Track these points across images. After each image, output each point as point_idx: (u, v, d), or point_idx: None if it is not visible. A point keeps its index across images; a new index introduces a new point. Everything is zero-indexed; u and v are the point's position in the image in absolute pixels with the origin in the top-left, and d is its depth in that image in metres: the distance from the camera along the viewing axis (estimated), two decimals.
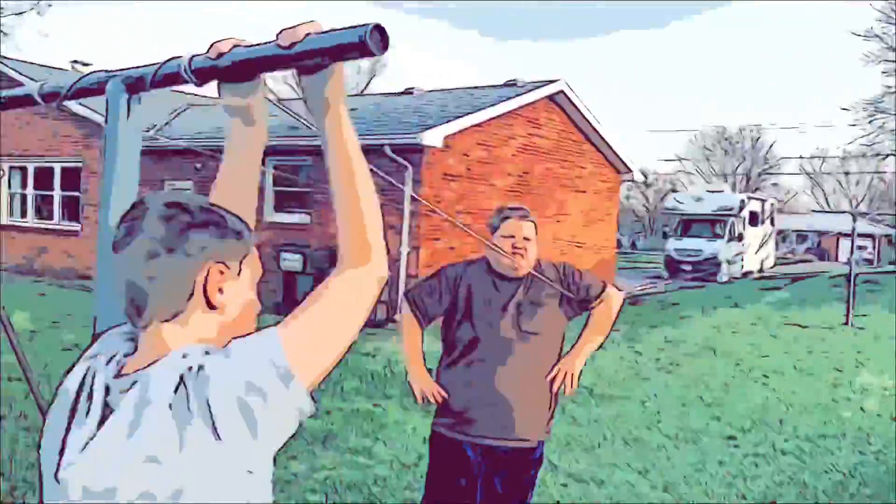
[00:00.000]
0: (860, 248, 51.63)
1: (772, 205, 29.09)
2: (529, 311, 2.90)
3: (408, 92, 15.73)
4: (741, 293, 17.58)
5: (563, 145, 14.94)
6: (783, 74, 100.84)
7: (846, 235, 54.33)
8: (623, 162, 16.68)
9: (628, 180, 17.44)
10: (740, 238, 25.27)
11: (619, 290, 3.14)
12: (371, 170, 1.19)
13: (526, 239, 2.92)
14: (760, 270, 27.73)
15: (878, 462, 5.29)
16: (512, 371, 2.86)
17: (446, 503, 2.99)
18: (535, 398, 2.92)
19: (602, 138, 15.74)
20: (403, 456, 5.02)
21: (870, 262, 47.63)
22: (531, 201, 13.98)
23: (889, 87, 45.40)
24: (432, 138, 11.43)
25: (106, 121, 1.39)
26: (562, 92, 14.34)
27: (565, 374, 2.96)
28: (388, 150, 11.36)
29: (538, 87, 13.83)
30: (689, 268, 24.55)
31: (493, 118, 12.80)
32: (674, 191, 48.98)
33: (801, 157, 70.60)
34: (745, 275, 25.35)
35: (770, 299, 16.14)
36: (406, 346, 3.10)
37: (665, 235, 26.93)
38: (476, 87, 14.94)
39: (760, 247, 27.63)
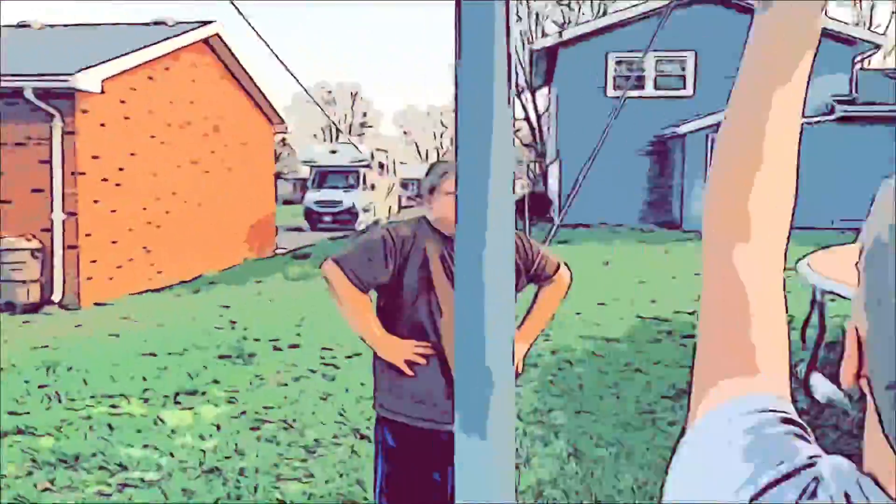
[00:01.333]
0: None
1: (394, 158, 31.01)
2: None
3: (23, 25, 13.01)
4: None
5: (219, 93, 13.85)
6: (378, 34, 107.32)
7: None
8: (276, 112, 16.11)
9: (282, 132, 16.93)
10: (373, 188, 26.49)
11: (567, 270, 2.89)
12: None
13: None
14: (388, 217, 29.51)
15: None
16: None
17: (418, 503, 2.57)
18: None
19: (257, 87, 14.96)
20: None
21: None
22: (192, 153, 12.76)
23: None
24: (88, 81, 9.63)
25: None
26: (217, 35, 13.20)
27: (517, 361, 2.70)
28: (29, 95, 9.31)
29: (194, 29, 12.50)
30: (329, 219, 25.04)
31: (150, 61, 11.26)
32: (284, 145, 49.30)
33: (395, 112, 76.51)
34: (376, 222, 26.76)
35: None
36: (358, 316, 2.53)
37: (303, 188, 27.03)
38: (122, 24, 12.98)
39: (388, 195, 29.35)
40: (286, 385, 5.78)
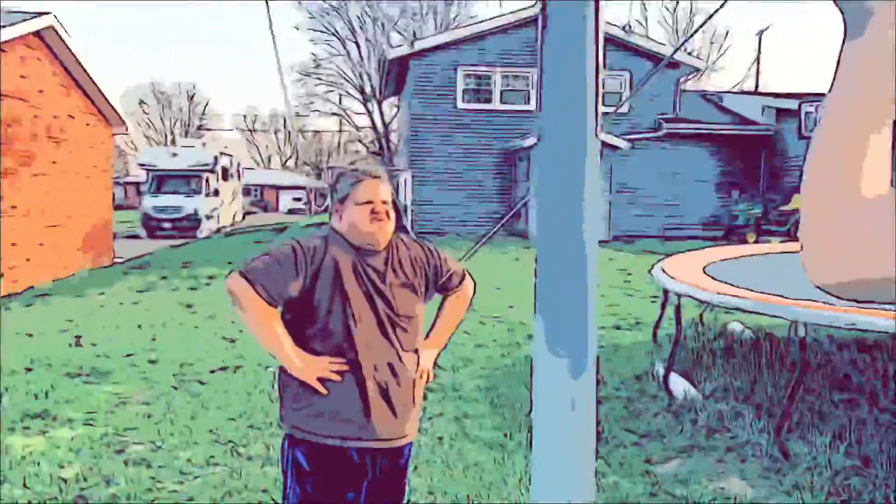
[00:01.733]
0: (296, 199, 57.27)
1: (239, 161, 29.99)
2: (402, 293, 2.52)
3: None
4: (237, 249, 17.88)
5: (52, 90, 12.82)
6: (215, 33, 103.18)
7: (284, 188, 59.48)
8: (115, 111, 15.14)
9: (121, 133, 15.91)
10: (216, 193, 25.49)
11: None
12: None
13: (385, 203, 2.49)
14: (233, 224, 28.50)
15: None
16: (392, 360, 2.50)
17: None
18: (412, 390, 2.61)
19: (94, 85, 13.99)
20: None
21: (304, 210, 53.05)
22: (20, 155, 11.72)
23: (314, 54, 50.20)
24: None
25: None
26: (51, 28, 12.22)
27: (427, 373, 2.72)
28: None
29: (25, 20, 11.50)
30: (168, 226, 23.83)
31: None
32: (115, 148, 46.40)
33: (235, 115, 74.04)
34: (219, 230, 25.77)
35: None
36: (269, 332, 2.38)
37: (140, 192, 25.54)
38: None
39: (232, 201, 28.34)
40: (149, 404, 5.45)
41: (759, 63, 38.25)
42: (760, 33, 37.69)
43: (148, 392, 5.73)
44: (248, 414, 5.17)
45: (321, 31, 38.40)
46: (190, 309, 9.32)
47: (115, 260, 15.86)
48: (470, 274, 2.82)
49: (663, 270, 5.70)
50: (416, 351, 2.57)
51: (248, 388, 5.78)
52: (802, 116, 15.76)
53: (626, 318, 8.56)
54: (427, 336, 2.69)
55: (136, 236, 23.93)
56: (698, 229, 19.53)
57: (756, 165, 19.87)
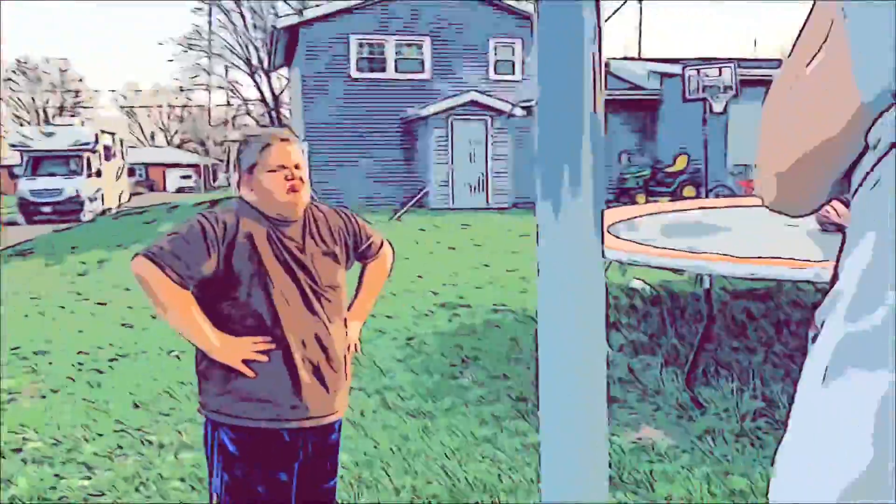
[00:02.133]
0: (184, 177, 55.16)
1: (122, 139, 28.51)
2: (324, 262, 2.40)
3: None
4: (126, 231, 17.06)
5: None
6: (85, 6, 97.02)
7: (171, 166, 57.12)
8: None
9: None
10: (99, 174, 24.17)
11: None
12: None
13: (298, 168, 2.34)
14: (119, 206, 27.15)
15: None
16: (319, 333, 2.42)
17: None
18: (342, 363, 2.53)
19: None
20: None
21: (193, 189, 51.23)
22: None
23: (197, 25, 48.17)
24: None
25: None
26: None
27: (354, 345, 2.65)
28: None
29: None
30: (49, 209, 22.45)
31: None
32: None
33: (113, 91, 70.26)
34: (104, 212, 24.50)
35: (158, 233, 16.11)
36: (185, 315, 2.22)
37: (13, 176, 23.89)
38: None
39: (117, 181, 26.97)
40: (44, 397, 5.11)
41: (640, 29, 39.48)
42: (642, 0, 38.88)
43: (41, 385, 5.38)
44: (154, 401, 4.94)
45: (204, 2, 36.79)
46: (80, 296, 8.82)
47: None
48: (389, 242, 2.75)
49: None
50: (344, 322, 2.48)
51: (153, 373, 5.53)
52: (686, 80, 16.35)
53: (529, 280, 8.71)
54: (349, 307, 2.60)
55: (14, 223, 22.42)
56: None
57: (643, 129, 20.54)
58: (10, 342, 6.57)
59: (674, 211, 7.31)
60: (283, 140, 2.36)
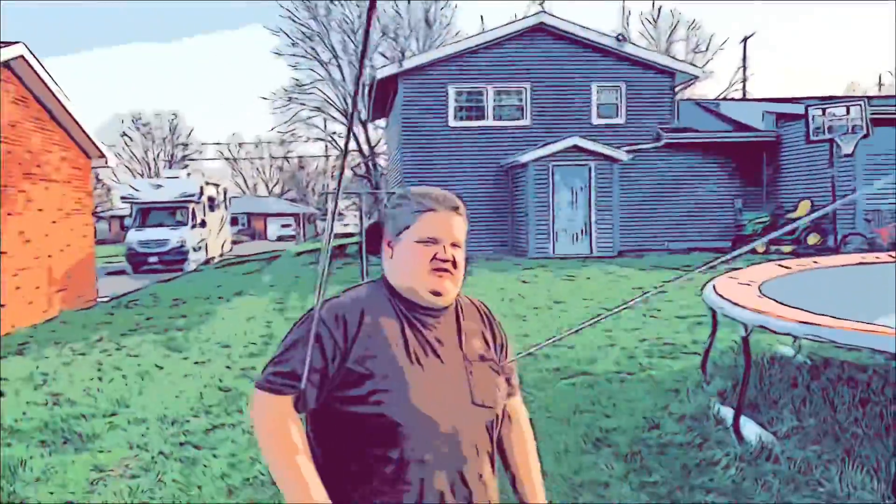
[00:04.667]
0: (285, 225, 56.54)
1: (225, 189, 29.26)
2: (479, 372, 1.75)
3: None
4: (225, 280, 17.12)
5: (25, 124, 12.08)
6: (193, 62, 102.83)
7: (272, 215, 58.77)
8: (94, 144, 14.41)
9: (101, 166, 15.16)
10: (203, 224, 24.72)
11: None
12: None
13: (456, 246, 1.76)
14: (221, 255, 27.71)
15: None
16: (470, 471, 1.70)
17: None
18: None
19: (70, 116, 13.27)
20: None
21: (293, 237, 52.30)
22: None
23: (297, 79, 49.85)
24: None
25: None
26: (21, 57, 11.51)
27: None
28: None
29: None
30: (154, 259, 23.04)
31: None
32: (99, 181, 45.51)
33: (218, 143, 73.38)
34: (208, 261, 24.97)
35: (260, 284, 16.05)
36: (291, 465, 1.56)
37: (123, 227, 24.76)
38: None
39: (220, 231, 27.57)
40: (134, 477, 4.68)
41: (745, 69, 38.03)
42: (745, 39, 37.52)
43: (132, 462, 4.95)
44: (244, 488, 4.42)
45: (303, 57, 37.81)
46: (180, 354, 8.55)
47: (99, 299, 15.06)
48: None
49: (718, 293, 5.02)
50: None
51: (248, 450, 5.03)
52: (810, 120, 15.20)
53: (655, 344, 7.86)
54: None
55: (122, 272, 23.10)
56: (703, 241, 18.91)
57: (758, 173, 19.32)
58: (108, 407, 6.26)
59: (829, 267, 6.37)
60: (449, 209, 1.77)
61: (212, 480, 4.53)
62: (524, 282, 13.38)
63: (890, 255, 6.58)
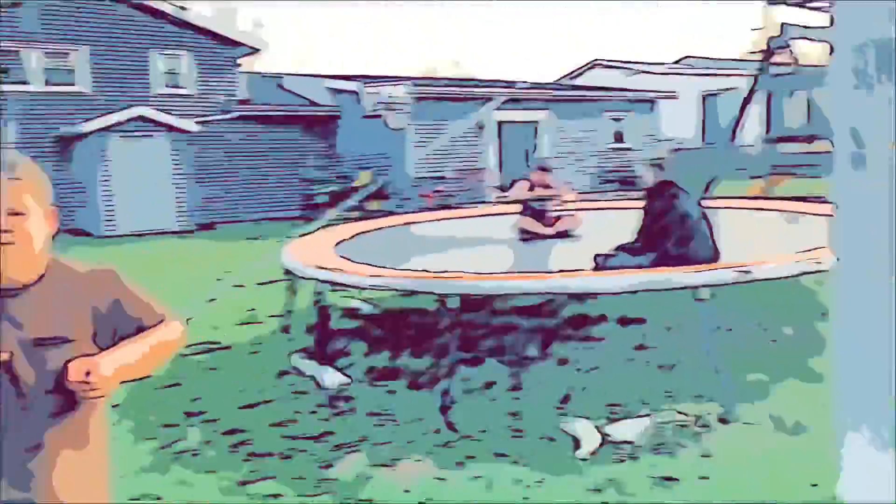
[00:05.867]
0: None
1: None
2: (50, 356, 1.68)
3: None
4: None
5: None
6: None
7: None
8: None
9: None
10: None
11: None
12: None
13: (18, 214, 1.63)
14: None
15: None
16: None
17: None
18: None
19: None
20: None
21: None
22: None
23: None
24: None
25: None
26: None
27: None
28: None
29: None
30: None
31: None
32: None
33: None
34: None
35: None
36: None
37: None
38: None
39: None
40: None
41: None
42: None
43: None
44: None
45: None
46: None
47: None
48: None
49: (294, 257, 5.41)
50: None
51: None
52: (363, 97, 16.73)
53: (245, 313, 8.03)
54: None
55: None
56: (276, 211, 19.52)
57: (323, 145, 20.59)
58: None
59: (389, 226, 7.25)
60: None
61: None
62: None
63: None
